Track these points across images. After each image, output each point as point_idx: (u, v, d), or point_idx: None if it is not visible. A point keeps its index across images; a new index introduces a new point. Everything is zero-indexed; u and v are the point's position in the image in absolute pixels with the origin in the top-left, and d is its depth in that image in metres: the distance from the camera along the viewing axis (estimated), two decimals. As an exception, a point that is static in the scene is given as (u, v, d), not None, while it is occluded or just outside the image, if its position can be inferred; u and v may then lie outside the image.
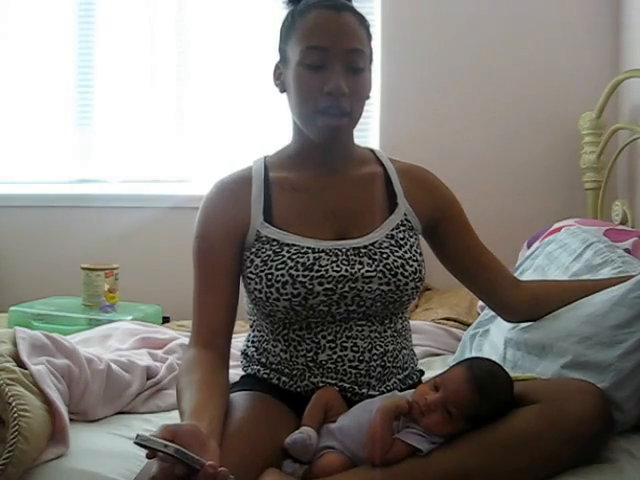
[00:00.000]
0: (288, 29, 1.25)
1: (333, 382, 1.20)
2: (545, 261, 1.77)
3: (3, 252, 2.97)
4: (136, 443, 0.87)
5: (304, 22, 1.22)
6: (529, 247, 2.04)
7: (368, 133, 2.85)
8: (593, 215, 2.58)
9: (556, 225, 2.06)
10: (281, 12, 1.29)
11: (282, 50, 1.27)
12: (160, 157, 3.00)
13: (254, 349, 1.29)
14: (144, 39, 3.01)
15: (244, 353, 1.32)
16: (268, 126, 2.78)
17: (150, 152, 3.00)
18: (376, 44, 2.76)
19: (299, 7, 1.24)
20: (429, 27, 2.83)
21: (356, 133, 1.33)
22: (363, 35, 1.23)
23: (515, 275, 1.53)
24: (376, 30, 2.82)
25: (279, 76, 1.28)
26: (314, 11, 1.21)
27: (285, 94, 1.28)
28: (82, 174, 3.04)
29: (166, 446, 0.86)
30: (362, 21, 1.24)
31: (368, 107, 1.30)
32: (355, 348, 1.21)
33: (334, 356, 1.20)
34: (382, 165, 1.34)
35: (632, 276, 1.33)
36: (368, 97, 1.27)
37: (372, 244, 1.24)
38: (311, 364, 1.21)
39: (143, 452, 0.90)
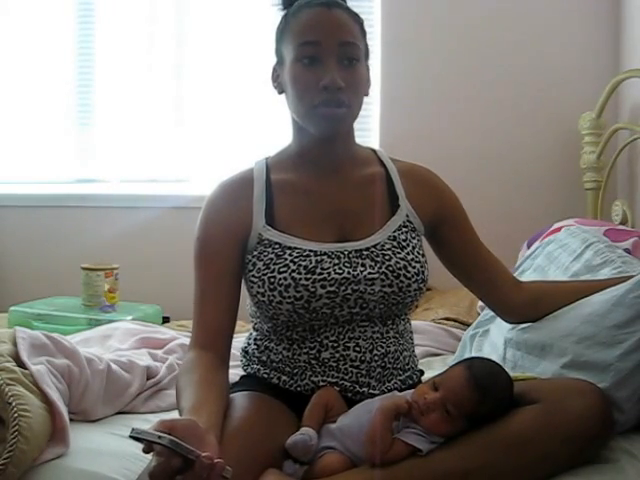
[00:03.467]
0: (282, 31, 1.26)
1: (334, 381, 1.19)
2: (545, 261, 1.77)
3: (3, 252, 2.97)
4: (131, 437, 0.87)
5: (296, 21, 1.23)
6: (529, 247, 2.04)
7: (368, 132, 2.83)
8: (593, 215, 2.58)
9: (556, 225, 2.06)
10: (278, 12, 1.30)
11: (278, 52, 1.28)
12: (160, 157, 3.00)
13: (255, 347, 1.29)
14: (144, 39, 3.01)
15: (245, 351, 1.32)
16: (267, 126, 2.78)
17: (150, 152, 3.00)
18: (376, 44, 2.77)
19: (292, 9, 1.26)
20: (429, 27, 2.83)
21: (356, 132, 1.33)
22: (356, 30, 1.24)
23: (515, 275, 1.53)
24: (376, 30, 2.82)
25: (277, 78, 1.29)
26: (306, 10, 1.23)
27: (283, 95, 1.28)
28: (82, 174, 3.04)
29: (160, 437, 0.85)
30: (354, 17, 1.25)
31: (368, 106, 1.30)
32: (357, 348, 1.21)
33: (336, 355, 1.20)
34: (383, 165, 1.34)
35: (632, 276, 1.33)
36: (367, 94, 1.27)
37: (374, 246, 1.23)
38: (313, 361, 1.21)
39: (143, 452, 0.90)
